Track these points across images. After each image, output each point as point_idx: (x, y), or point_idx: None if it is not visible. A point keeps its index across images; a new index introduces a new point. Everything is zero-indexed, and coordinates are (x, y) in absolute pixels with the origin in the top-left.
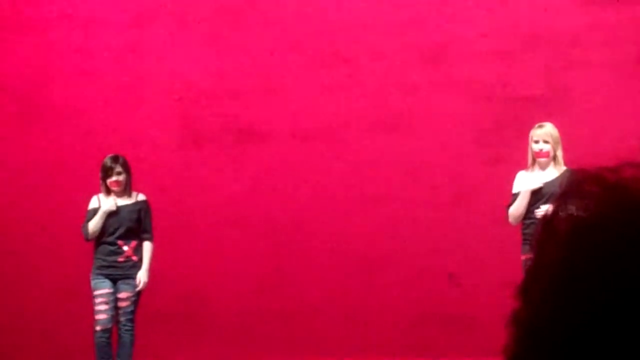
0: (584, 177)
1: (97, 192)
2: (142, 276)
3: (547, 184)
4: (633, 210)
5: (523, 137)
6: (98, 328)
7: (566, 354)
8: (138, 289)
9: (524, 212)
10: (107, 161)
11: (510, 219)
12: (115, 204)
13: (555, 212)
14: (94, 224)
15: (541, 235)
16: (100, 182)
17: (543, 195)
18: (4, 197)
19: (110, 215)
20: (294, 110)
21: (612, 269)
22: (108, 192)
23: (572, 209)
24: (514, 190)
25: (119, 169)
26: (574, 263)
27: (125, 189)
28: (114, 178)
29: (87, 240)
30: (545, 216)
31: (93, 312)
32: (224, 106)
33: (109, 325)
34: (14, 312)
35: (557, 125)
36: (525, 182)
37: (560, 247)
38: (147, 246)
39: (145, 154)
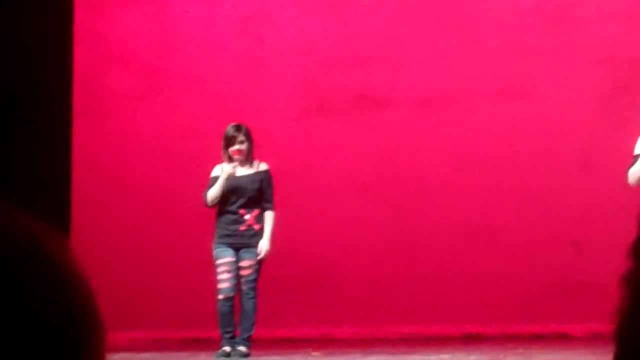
0: None
1: (220, 162)
2: (263, 245)
3: None
4: None
5: None
6: (221, 297)
7: None
8: (260, 257)
9: None
10: (230, 130)
11: (630, 180)
12: (235, 169)
13: None
14: (214, 190)
15: None
16: (223, 150)
17: None
18: (130, 169)
19: (232, 184)
20: (416, 77)
21: None
22: (230, 161)
23: None
24: (636, 152)
25: (241, 137)
26: None
27: (247, 158)
28: (236, 147)
29: (208, 206)
30: None
31: (216, 281)
32: (346, 74)
33: (232, 294)
34: (143, 283)
35: None
36: None
37: None
38: (268, 215)
39: (270, 122)
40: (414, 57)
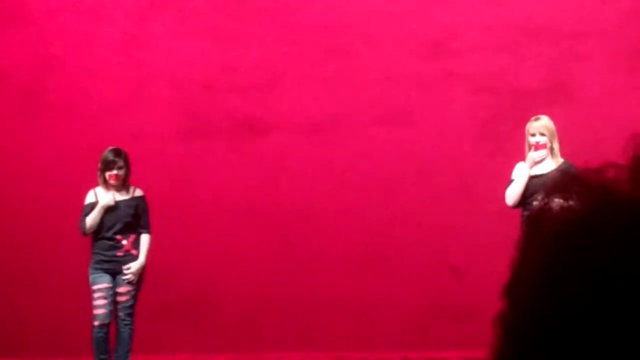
0: (568, 177)
1: (95, 186)
2: (134, 265)
3: (543, 176)
4: (615, 211)
5: (524, 129)
6: (96, 323)
7: (548, 356)
8: (127, 276)
9: (520, 193)
10: (109, 154)
11: (507, 200)
12: (114, 199)
13: (540, 211)
14: (91, 219)
15: (526, 234)
16: (99, 174)
17: (540, 186)
18: (5, 191)
19: (108, 210)
20: (297, 103)
21: (594, 271)
22: (106, 185)
23: (556, 209)
24: (513, 176)
25: (120, 162)
26: (556, 264)
27: (124, 183)
28: (114, 172)
29: (85, 235)
30: (530, 215)
31: (91, 307)
32: (227, 99)
33: (107, 320)
34: (13, 308)
35: (558, 118)
36: (524, 169)
37: (544, 247)
38: (144, 238)
39: (149, 147)
40: (297, 82)
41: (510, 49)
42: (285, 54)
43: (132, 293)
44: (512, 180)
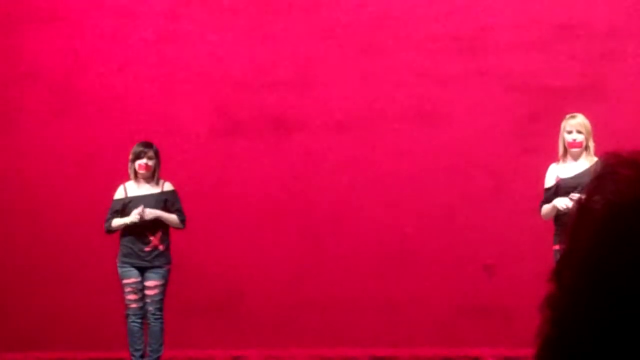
0: (618, 160)
1: (127, 180)
2: (147, 210)
3: (579, 175)
4: None
5: (558, 128)
6: (130, 314)
7: (599, 338)
8: (137, 211)
9: (553, 216)
10: (139, 146)
11: (542, 216)
12: (142, 212)
13: (589, 195)
14: (117, 225)
15: (575, 218)
16: (129, 165)
17: (576, 186)
18: (39, 187)
19: (137, 202)
20: (330, 101)
21: None
22: (136, 176)
23: (606, 192)
24: (546, 185)
25: (150, 153)
26: (608, 247)
27: (154, 176)
28: (144, 161)
29: (107, 233)
30: (579, 199)
31: (123, 298)
32: (259, 96)
33: (140, 312)
34: (48, 302)
35: (591, 116)
36: (555, 175)
37: (595, 230)
38: (173, 215)
39: (181, 143)
40: (329, 80)
41: (544, 47)
42: (317, 52)
43: (161, 287)
44: (546, 191)
